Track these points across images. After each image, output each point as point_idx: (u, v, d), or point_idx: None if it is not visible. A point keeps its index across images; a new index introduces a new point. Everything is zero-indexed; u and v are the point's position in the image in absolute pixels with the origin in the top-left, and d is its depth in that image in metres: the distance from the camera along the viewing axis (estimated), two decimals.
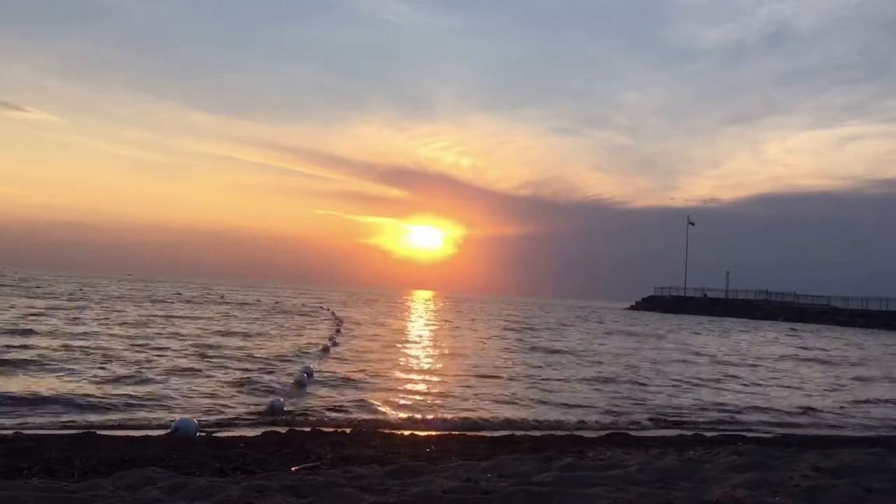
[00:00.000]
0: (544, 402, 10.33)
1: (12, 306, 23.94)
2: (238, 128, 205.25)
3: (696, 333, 35.01)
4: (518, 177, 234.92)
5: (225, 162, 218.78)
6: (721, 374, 15.82)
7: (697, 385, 13.59)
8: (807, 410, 11.28)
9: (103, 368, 10.87)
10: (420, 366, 14.44)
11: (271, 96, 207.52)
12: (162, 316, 24.19)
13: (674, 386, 13.20)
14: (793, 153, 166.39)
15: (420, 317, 40.99)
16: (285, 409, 8.43)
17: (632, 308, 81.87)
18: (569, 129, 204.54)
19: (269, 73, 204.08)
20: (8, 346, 12.50)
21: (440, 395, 10.54)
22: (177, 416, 7.29)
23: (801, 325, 54.35)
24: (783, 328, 47.48)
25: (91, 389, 9.02)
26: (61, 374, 10.13)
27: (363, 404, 9.37)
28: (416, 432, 7.64)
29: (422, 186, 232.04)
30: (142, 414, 7.96)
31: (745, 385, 14.11)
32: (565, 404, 10.30)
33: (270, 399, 8.71)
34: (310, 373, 10.98)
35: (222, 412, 8.29)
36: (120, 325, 19.30)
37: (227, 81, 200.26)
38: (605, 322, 43.52)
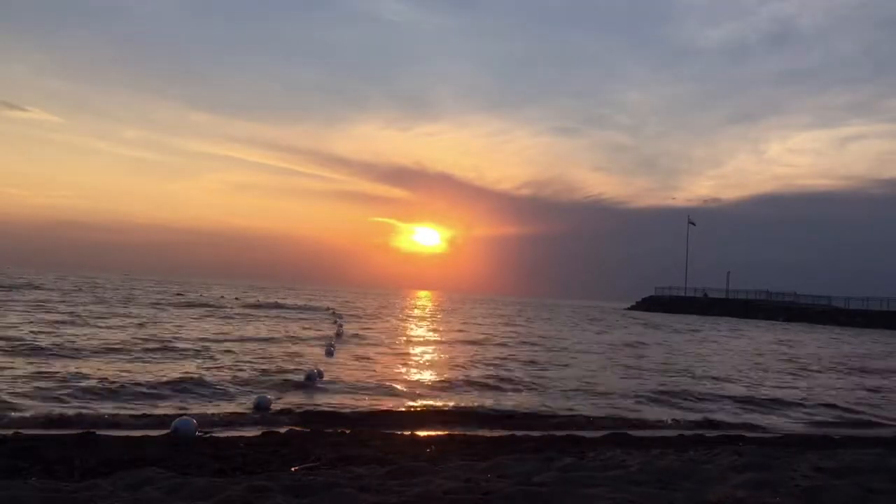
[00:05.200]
0: None
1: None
2: (238, 128, 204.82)
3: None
4: (519, 176, 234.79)
5: (225, 162, 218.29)
6: None
7: None
8: None
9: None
10: (425, 368, 14.44)
11: (271, 96, 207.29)
12: (166, 317, 24.22)
13: None
14: (794, 153, 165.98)
15: (425, 318, 41.01)
16: (287, 408, 8.47)
17: (632, 308, 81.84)
18: (570, 128, 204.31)
19: (270, 73, 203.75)
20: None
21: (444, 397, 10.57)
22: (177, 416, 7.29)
23: (824, 327, 54.13)
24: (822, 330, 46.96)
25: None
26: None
27: (364, 404, 9.37)
28: (417, 432, 7.64)
29: (422, 186, 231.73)
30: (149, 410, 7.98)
31: None
32: None
33: (256, 397, 8.74)
34: (312, 374, 10.98)
35: (216, 412, 8.30)
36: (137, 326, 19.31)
37: (228, 81, 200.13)
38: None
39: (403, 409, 9.17)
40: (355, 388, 10.57)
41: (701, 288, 79.75)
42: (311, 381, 10.49)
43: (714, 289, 78.69)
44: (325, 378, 11.04)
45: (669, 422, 9.53)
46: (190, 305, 33.12)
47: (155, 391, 9.27)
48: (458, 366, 14.39)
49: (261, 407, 8.37)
